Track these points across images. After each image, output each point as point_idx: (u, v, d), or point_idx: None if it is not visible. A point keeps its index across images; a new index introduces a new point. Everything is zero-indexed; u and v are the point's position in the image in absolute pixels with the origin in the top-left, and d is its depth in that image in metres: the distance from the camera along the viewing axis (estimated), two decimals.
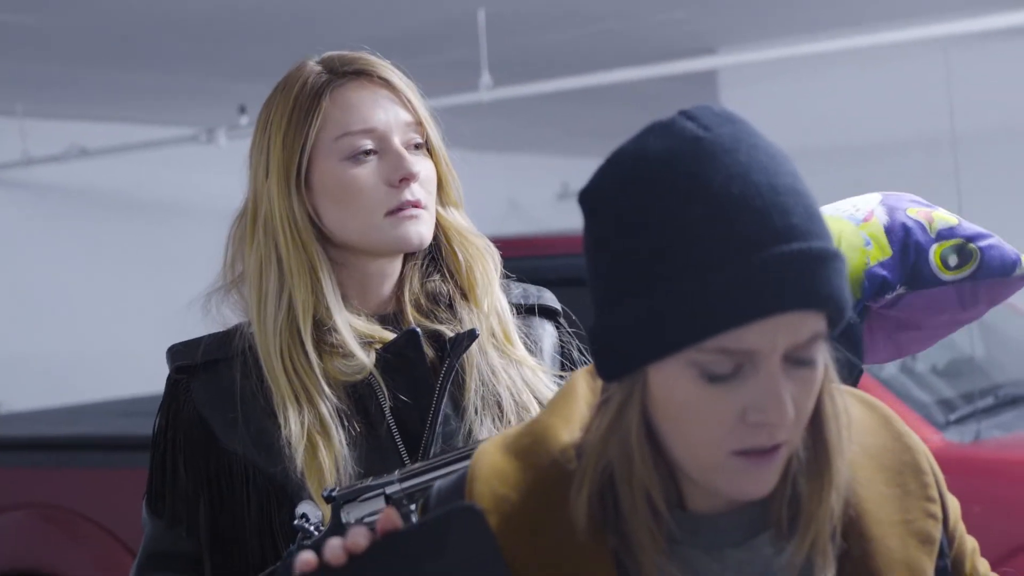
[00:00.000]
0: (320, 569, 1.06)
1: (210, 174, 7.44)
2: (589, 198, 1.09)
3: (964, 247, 1.58)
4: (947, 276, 1.57)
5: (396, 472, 1.34)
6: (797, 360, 1.04)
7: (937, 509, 1.19)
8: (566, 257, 3.43)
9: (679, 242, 1.01)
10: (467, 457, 1.31)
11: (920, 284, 1.56)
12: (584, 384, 1.19)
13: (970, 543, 1.25)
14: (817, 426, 1.10)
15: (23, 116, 7.02)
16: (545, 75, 6.15)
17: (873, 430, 1.20)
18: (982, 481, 3.02)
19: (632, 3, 5.86)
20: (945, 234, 1.59)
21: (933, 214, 1.60)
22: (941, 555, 1.19)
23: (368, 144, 1.58)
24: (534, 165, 9.98)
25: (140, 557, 1.59)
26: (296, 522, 1.38)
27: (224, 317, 1.64)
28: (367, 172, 1.57)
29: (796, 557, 1.11)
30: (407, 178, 1.57)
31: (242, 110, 6.51)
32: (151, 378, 5.22)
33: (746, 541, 1.13)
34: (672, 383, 1.04)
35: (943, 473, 1.23)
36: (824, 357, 1.07)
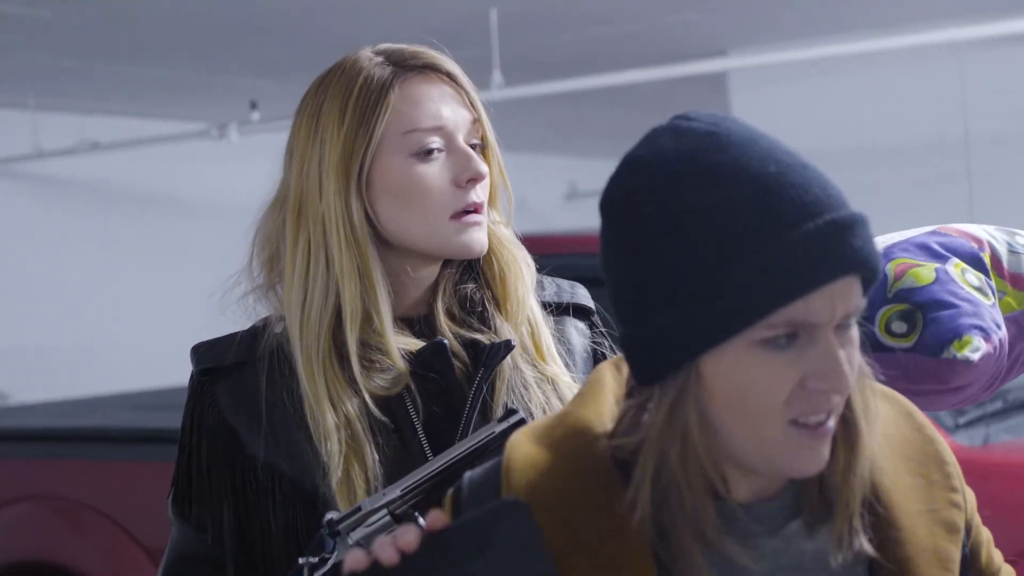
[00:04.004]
0: (372, 567, 1.07)
1: (221, 169, 7.48)
2: (615, 205, 1.12)
3: (911, 314, 1.46)
4: (888, 341, 1.46)
5: (397, 490, 1.30)
6: (843, 327, 1.08)
7: (960, 499, 1.22)
8: (573, 256, 3.42)
9: (731, 226, 1.05)
10: (466, 463, 1.30)
11: (864, 345, 1.45)
12: (610, 376, 1.21)
13: (985, 533, 1.27)
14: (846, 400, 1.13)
15: (35, 109, 7.03)
16: (556, 75, 6.16)
17: (895, 422, 1.23)
18: (991, 485, 3.01)
19: (644, 4, 5.86)
20: (901, 296, 1.47)
21: (912, 270, 1.49)
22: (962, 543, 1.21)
23: (436, 142, 1.50)
24: (543, 165, 9.98)
25: (167, 559, 1.56)
26: (301, 560, 1.30)
27: (244, 312, 1.57)
28: (435, 171, 1.50)
29: (832, 534, 1.14)
30: (475, 178, 1.50)
31: (253, 106, 6.52)
32: (161, 371, 5.24)
33: (779, 530, 1.16)
34: (734, 365, 1.07)
35: None
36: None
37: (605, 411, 1.18)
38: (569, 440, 1.16)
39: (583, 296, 1.66)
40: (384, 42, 1.57)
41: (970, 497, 1.25)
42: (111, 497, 3.68)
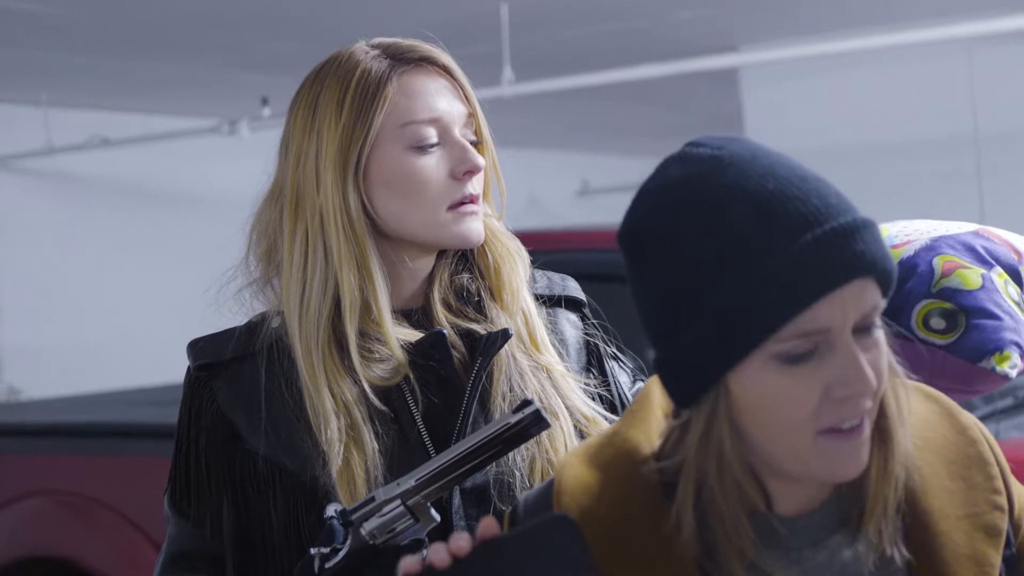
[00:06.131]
0: (425, 571, 1.11)
1: (232, 165, 7.48)
2: (628, 238, 1.14)
3: (954, 315, 1.49)
4: (921, 334, 1.49)
5: (411, 480, 1.32)
6: (864, 331, 1.09)
7: (1003, 500, 1.21)
8: (585, 252, 3.43)
9: (734, 244, 1.06)
10: (480, 454, 1.32)
11: (894, 331, 1.47)
12: (658, 391, 1.22)
13: None
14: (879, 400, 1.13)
15: (47, 105, 7.06)
16: (567, 71, 6.16)
17: (935, 424, 1.23)
18: None
19: (655, 0, 5.86)
20: (947, 294, 1.49)
21: (960, 271, 1.51)
22: (1007, 544, 1.21)
23: (433, 134, 1.51)
24: (554, 161, 9.99)
25: (164, 555, 1.55)
26: (312, 550, 1.33)
27: (246, 307, 1.57)
28: (432, 163, 1.51)
29: (863, 536, 1.15)
30: (472, 171, 1.52)
31: (264, 102, 6.53)
32: (171, 367, 5.25)
33: (822, 542, 1.16)
34: (756, 381, 1.08)
35: None
36: (880, 328, 1.12)
37: (653, 429, 1.20)
38: (618, 461, 1.18)
39: (574, 289, 1.68)
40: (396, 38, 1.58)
41: (1019, 494, 1.24)
42: (122, 492, 3.70)
